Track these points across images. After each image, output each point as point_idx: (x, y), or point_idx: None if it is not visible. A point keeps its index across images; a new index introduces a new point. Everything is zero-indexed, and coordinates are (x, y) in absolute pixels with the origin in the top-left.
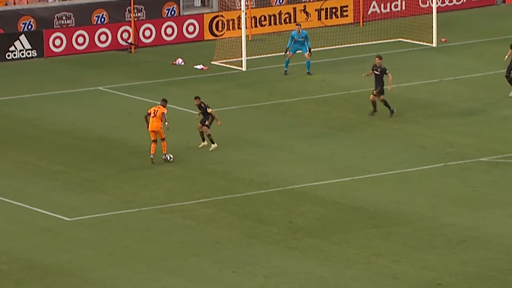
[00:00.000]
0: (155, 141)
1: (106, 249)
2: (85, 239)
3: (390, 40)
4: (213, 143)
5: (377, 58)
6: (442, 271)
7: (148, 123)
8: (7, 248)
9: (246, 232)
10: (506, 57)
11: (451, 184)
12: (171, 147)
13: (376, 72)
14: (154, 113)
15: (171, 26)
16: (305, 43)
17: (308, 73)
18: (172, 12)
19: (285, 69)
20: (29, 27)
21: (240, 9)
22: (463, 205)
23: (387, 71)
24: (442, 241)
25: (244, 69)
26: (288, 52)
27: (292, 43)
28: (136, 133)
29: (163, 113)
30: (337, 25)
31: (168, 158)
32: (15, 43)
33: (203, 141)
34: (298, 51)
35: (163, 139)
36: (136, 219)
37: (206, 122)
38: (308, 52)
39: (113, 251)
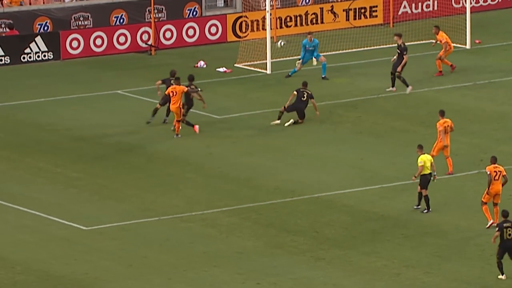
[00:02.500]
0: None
1: (124, 260)
2: (102, 249)
3: (421, 42)
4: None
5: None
6: (476, 284)
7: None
8: (22, 258)
9: (270, 242)
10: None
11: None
12: (191, 152)
13: None
14: (173, 93)
15: (193, 27)
16: (315, 52)
17: (324, 77)
18: (194, 13)
19: (290, 74)
20: (45, 28)
21: (265, 9)
22: (499, 214)
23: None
24: (476, 251)
25: (268, 71)
26: (299, 63)
27: (305, 53)
28: (156, 138)
29: (183, 91)
30: (366, 26)
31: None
32: (30, 45)
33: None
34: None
35: (178, 121)
36: (156, 228)
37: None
38: (322, 56)
39: (132, 262)
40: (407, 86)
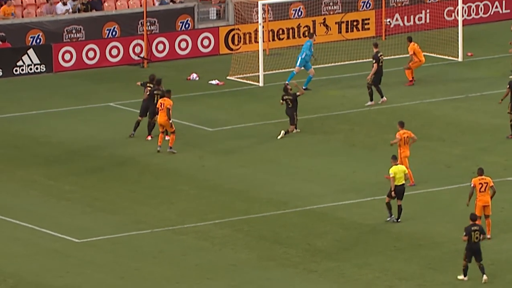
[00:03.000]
0: (163, 132)
1: (117, 272)
2: (95, 262)
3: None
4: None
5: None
6: None
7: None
8: (15, 271)
9: (263, 255)
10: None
11: None
12: (183, 165)
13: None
14: (161, 106)
15: (185, 40)
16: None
17: (306, 89)
18: (187, 25)
19: (306, 86)
20: (38, 41)
21: (257, 22)
22: (491, 226)
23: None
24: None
25: (261, 84)
26: (298, 67)
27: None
28: (149, 151)
29: (168, 108)
30: (358, 38)
31: (173, 151)
32: (23, 58)
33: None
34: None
35: (172, 133)
36: (149, 240)
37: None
38: (312, 69)
39: (124, 274)
40: (370, 100)
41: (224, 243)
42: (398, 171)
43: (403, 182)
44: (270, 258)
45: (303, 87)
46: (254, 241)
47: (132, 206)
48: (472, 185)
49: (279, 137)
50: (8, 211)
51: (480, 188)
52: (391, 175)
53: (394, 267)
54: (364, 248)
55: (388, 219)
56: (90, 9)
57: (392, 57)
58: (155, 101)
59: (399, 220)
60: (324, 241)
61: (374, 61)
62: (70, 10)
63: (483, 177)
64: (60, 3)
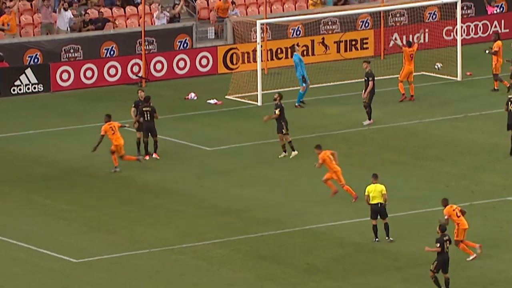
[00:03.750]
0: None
1: None
2: (92, 282)
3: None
4: (294, 150)
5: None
6: None
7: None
8: None
9: (261, 274)
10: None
11: (476, 224)
12: (181, 184)
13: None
14: (113, 130)
15: (184, 59)
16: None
17: (297, 106)
18: (185, 45)
19: (302, 101)
20: (36, 60)
21: (256, 41)
22: (489, 246)
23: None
24: (468, 284)
25: (259, 103)
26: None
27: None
28: (146, 170)
29: (120, 126)
30: (357, 58)
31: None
32: (20, 77)
33: (285, 151)
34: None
35: (123, 156)
36: (146, 260)
37: (284, 130)
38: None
39: None
40: (369, 119)
41: (222, 263)
42: (373, 190)
43: (380, 201)
44: (269, 278)
45: (296, 104)
46: (253, 261)
47: (130, 225)
48: (446, 216)
49: (291, 156)
50: (5, 231)
51: (457, 214)
52: (366, 194)
53: (392, 287)
54: (363, 268)
55: (374, 241)
56: (92, 23)
57: (391, 76)
58: (146, 118)
59: (391, 238)
60: (323, 261)
61: (370, 79)
62: (72, 17)
63: (450, 205)
64: (67, 11)
